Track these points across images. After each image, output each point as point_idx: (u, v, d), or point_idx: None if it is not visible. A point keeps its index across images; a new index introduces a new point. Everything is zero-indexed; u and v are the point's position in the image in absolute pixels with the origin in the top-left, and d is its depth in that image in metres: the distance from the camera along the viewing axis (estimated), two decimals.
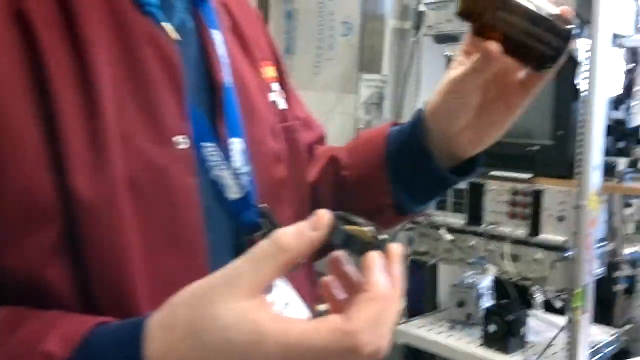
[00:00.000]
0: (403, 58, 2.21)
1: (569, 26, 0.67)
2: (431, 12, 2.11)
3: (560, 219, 1.84)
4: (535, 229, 1.89)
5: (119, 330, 0.52)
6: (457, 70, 0.73)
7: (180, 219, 0.62)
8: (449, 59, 2.10)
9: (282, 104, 0.82)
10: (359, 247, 0.51)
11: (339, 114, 2.51)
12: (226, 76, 0.70)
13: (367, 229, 0.53)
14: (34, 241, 0.54)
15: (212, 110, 0.68)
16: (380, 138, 0.83)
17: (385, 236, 0.53)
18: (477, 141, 0.77)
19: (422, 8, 2.12)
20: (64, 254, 0.55)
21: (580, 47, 1.77)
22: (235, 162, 0.68)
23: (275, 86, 0.82)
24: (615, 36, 1.88)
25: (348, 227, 0.51)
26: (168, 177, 0.61)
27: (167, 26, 0.64)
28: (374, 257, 0.50)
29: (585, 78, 1.74)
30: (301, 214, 0.79)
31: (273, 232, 0.50)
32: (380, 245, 0.51)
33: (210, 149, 0.66)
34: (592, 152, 1.73)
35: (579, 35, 1.78)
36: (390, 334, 0.49)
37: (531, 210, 1.89)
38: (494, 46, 0.66)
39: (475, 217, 2.03)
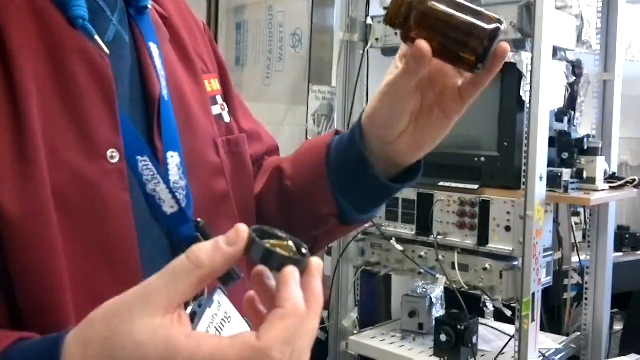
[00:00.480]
0: (351, 70, 2.22)
1: (493, 25, 0.66)
2: (378, 25, 2.12)
3: (508, 228, 1.86)
4: (483, 239, 1.92)
5: (38, 346, 0.51)
6: (392, 74, 0.72)
7: (112, 234, 0.61)
8: None
9: (226, 117, 0.81)
10: (277, 262, 0.50)
11: (289, 126, 2.50)
12: (163, 89, 0.69)
13: (288, 243, 0.52)
14: None
15: (149, 123, 0.68)
16: (322, 147, 0.82)
17: (305, 251, 0.52)
18: (415, 148, 0.76)
19: (369, 21, 2.13)
20: None
21: (524, 59, 1.81)
22: (172, 176, 0.68)
23: (219, 99, 0.81)
24: (557, 49, 1.93)
25: (267, 243, 0.50)
26: (99, 192, 0.60)
27: (99, 40, 0.63)
28: (289, 272, 0.49)
29: (528, 90, 1.77)
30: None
31: (194, 245, 0.49)
32: (299, 261, 0.50)
33: (144, 162, 0.65)
34: (537, 163, 1.76)
35: (522, 48, 1.82)
36: (309, 349, 0.49)
37: (479, 220, 1.92)
38: (421, 45, 0.65)
39: (424, 227, 2.04)
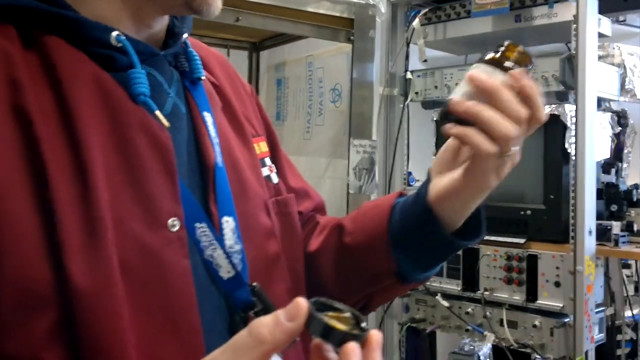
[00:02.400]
0: (392, 123, 2.22)
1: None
2: (417, 79, 2.13)
3: (557, 284, 1.81)
4: (532, 295, 1.86)
5: None
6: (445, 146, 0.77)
7: (175, 300, 0.62)
8: (436, 123, 2.11)
9: (275, 178, 0.83)
10: (337, 338, 0.50)
11: (331, 179, 2.50)
12: (217, 156, 0.71)
13: (346, 315, 0.52)
14: (31, 327, 0.55)
15: (204, 190, 0.70)
16: (385, 206, 0.82)
17: (364, 324, 0.52)
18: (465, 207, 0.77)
19: (409, 75, 2.14)
20: (60, 338, 0.56)
21: (567, 111, 1.78)
22: (227, 240, 0.69)
23: (268, 161, 0.83)
24: (601, 100, 1.90)
25: (326, 318, 0.50)
26: (162, 260, 0.62)
27: (159, 114, 0.65)
28: (351, 350, 0.49)
29: (573, 142, 1.74)
30: (295, 288, 0.79)
31: (255, 320, 0.50)
32: (359, 336, 0.50)
33: (202, 229, 0.67)
34: (586, 217, 1.71)
35: (565, 100, 1.79)
36: None
37: (527, 275, 1.86)
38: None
39: (471, 282, 2.00)
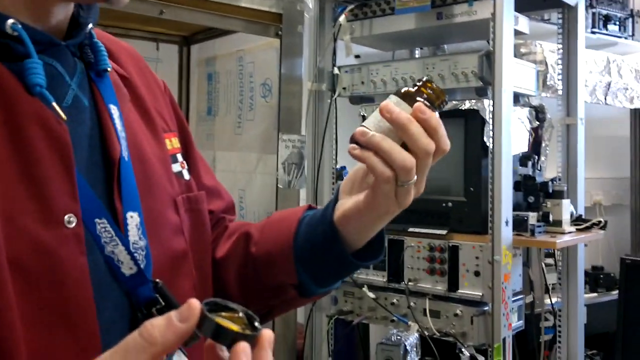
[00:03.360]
0: (320, 118, 2.24)
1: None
2: (345, 74, 2.16)
3: (477, 273, 1.86)
4: (453, 285, 1.91)
5: None
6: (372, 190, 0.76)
7: (71, 298, 0.61)
8: (363, 118, 2.15)
9: (186, 175, 0.82)
10: (228, 338, 0.51)
11: (261, 174, 2.50)
12: (123, 150, 0.70)
13: (240, 315, 0.53)
14: None
15: (109, 184, 0.68)
16: (294, 219, 0.83)
17: (257, 324, 0.53)
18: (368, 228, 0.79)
19: (336, 71, 2.17)
20: None
21: (486, 106, 1.84)
22: (132, 236, 0.68)
23: (180, 157, 0.82)
24: (520, 95, 1.97)
25: (218, 318, 0.51)
26: (57, 257, 0.60)
27: (56, 106, 0.63)
28: (240, 349, 0.50)
29: (491, 136, 1.80)
30: (202, 285, 0.79)
31: (147, 321, 0.50)
32: (250, 336, 0.51)
33: (102, 225, 0.66)
34: (502, 208, 1.77)
35: (483, 95, 1.85)
36: None
37: (448, 265, 1.91)
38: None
39: (396, 274, 2.04)
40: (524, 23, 1.93)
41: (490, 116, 1.82)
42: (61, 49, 0.68)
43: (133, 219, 0.69)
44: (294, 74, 2.27)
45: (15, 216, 0.59)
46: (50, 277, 0.60)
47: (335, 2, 2.22)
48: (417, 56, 2.35)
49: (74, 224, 0.62)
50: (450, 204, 1.94)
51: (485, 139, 1.85)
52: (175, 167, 0.81)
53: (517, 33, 1.89)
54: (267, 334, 0.52)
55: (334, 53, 2.19)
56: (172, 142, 0.82)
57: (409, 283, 1.99)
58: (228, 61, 2.69)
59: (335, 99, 2.19)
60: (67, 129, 0.64)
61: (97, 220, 0.65)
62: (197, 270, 0.79)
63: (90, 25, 0.72)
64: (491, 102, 1.80)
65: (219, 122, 2.71)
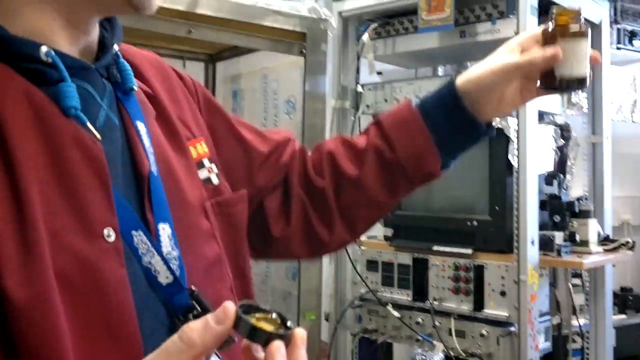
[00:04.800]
0: (344, 135, 2.24)
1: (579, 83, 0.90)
2: (368, 92, 2.16)
3: (503, 293, 1.84)
4: (479, 304, 1.89)
5: None
6: (512, 58, 0.90)
7: (113, 308, 0.64)
8: None
9: (215, 179, 0.84)
10: (263, 338, 0.53)
11: None
12: (151, 165, 0.73)
13: (273, 316, 0.56)
14: None
15: (140, 198, 0.71)
16: (416, 116, 0.95)
17: (289, 323, 0.56)
18: (493, 113, 0.95)
19: (359, 89, 2.17)
20: (0, 350, 0.57)
21: (510, 125, 1.83)
22: (164, 247, 0.70)
23: (207, 162, 0.84)
24: (544, 113, 1.95)
25: (253, 320, 0.53)
26: (98, 270, 0.63)
27: (91, 127, 0.67)
28: (275, 348, 0.52)
29: (516, 155, 1.78)
30: (241, 286, 0.82)
31: (185, 325, 0.53)
32: (284, 335, 0.53)
33: (139, 237, 0.68)
34: (528, 227, 1.75)
35: (509, 114, 1.83)
36: None
37: (474, 285, 1.90)
38: (555, 50, 0.87)
39: (420, 292, 2.02)
40: None
41: (515, 135, 1.80)
42: (91, 71, 0.71)
43: (165, 230, 0.71)
44: (318, 91, 2.29)
45: (58, 232, 0.61)
46: (93, 289, 0.62)
47: (359, 20, 2.23)
48: (440, 74, 2.35)
49: (112, 238, 0.65)
50: (475, 223, 1.92)
51: (510, 157, 1.84)
52: (202, 174, 0.82)
53: None
54: (300, 333, 0.54)
55: (357, 71, 2.20)
56: (198, 149, 0.83)
57: (434, 302, 1.97)
58: (253, 79, 2.72)
59: (359, 116, 2.20)
60: (101, 148, 0.66)
61: (133, 232, 0.68)
62: (234, 273, 0.81)
63: (115, 46, 0.75)
64: (516, 120, 1.79)
65: None
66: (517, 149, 1.76)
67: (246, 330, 0.53)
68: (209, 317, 0.53)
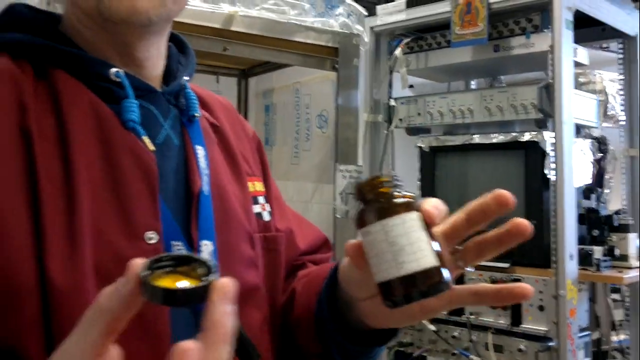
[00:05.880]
0: (377, 149, 2.25)
1: (415, 291, 0.56)
2: (401, 106, 2.17)
3: (541, 308, 1.83)
4: (516, 319, 1.88)
5: None
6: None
7: (146, 307, 0.65)
8: (420, 150, 2.15)
9: (266, 216, 0.86)
10: (160, 298, 0.46)
11: (318, 204, 2.53)
12: (204, 185, 0.76)
13: (200, 270, 0.49)
14: (14, 318, 0.61)
15: (188, 215, 0.74)
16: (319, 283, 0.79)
17: (211, 277, 0.48)
18: (379, 320, 0.71)
19: (392, 103, 2.18)
20: (40, 329, 0.62)
21: (546, 138, 1.82)
22: None
23: (262, 199, 0.87)
24: (581, 127, 1.94)
25: (161, 279, 0.47)
26: None
27: (146, 139, 0.72)
28: (181, 350, 0.47)
29: (553, 169, 1.77)
30: (272, 318, 0.82)
31: None
32: (197, 290, 0.46)
33: (178, 247, 0.71)
34: (566, 241, 1.74)
35: (543, 127, 1.83)
36: None
37: None
38: (348, 247, 0.62)
39: None
40: (583, 54, 1.91)
41: (551, 148, 1.79)
42: (157, 95, 0.76)
43: (207, 247, 0.73)
44: (350, 105, 2.31)
45: (103, 230, 0.66)
46: None
47: (390, 35, 2.24)
48: (473, 87, 2.34)
49: (154, 241, 0.68)
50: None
51: (546, 171, 1.83)
52: (256, 208, 0.85)
53: (577, 64, 1.86)
54: (220, 284, 0.48)
55: (390, 85, 2.21)
56: (255, 185, 0.87)
57: (471, 316, 1.96)
58: (285, 93, 2.74)
59: (392, 130, 2.20)
60: (154, 158, 0.71)
61: (173, 242, 0.70)
62: (269, 306, 0.82)
63: (185, 78, 0.81)
64: (551, 134, 1.78)
65: (276, 152, 2.75)
66: (555, 163, 1.75)
67: (149, 294, 0.46)
68: (120, 279, 0.49)
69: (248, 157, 0.89)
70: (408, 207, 0.57)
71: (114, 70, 0.71)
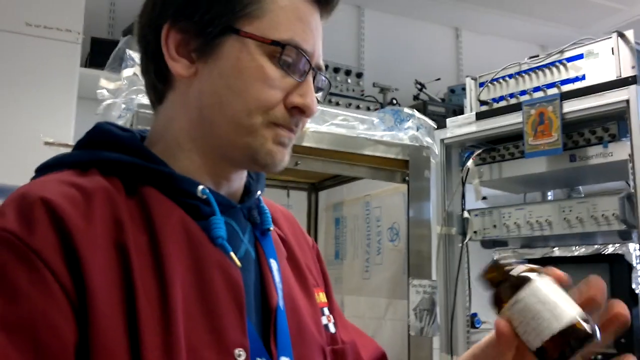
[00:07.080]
0: (451, 263, 2.19)
1: (575, 341, 0.64)
2: (475, 218, 2.13)
3: None
4: None
5: None
6: (490, 336, 0.75)
7: None
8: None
9: (332, 328, 0.88)
10: None
11: (391, 320, 2.45)
12: (279, 300, 0.78)
13: None
14: None
15: (266, 329, 0.76)
16: None
17: None
18: None
19: (466, 215, 2.15)
20: None
21: (631, 250, 1.73)
22: None
23: (326, 311, 0.89)
24: None
25: None
26: None
27: (234, 256, 0.74)
28: None
29: None
30: None
31: None
32: None
33: None
34: None
35: (628, 239, 1.74)
36: None
37: None
38: (501, 325, 0.68)
39: None
40: None
41: (638, 261, 1.70)
42: (237, 210, 0.80)
43: None
44: (423, 217, 2.27)
45: (196, 347, 0.67)
46: None
47: (461, 147, 2.24)
48: (549, 198, 2.29)
49: (242, 358, 0.69)
50: (599, 357, 1.77)
51: (633, 285, 1.72)
52: (323, 320, 0.87)
53: None
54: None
55: (463, 197, 2.18)
56: (320, 297, 0.89)
57: None
58: (355, 206, 2.75)
59: (467, 243, 2.15)
60: (241, 274, 0.74)
61: (258, 359, 0.72)
62: None
63: (259, 192, 0.85)
64: (637, 245, 1.69)
65: (347, 266, 2.72)
66: None
67: None
68: None
69: (311, 267, 0.91)
70: (540, 273, 0.66)
71: (200, 187, 0.75)
